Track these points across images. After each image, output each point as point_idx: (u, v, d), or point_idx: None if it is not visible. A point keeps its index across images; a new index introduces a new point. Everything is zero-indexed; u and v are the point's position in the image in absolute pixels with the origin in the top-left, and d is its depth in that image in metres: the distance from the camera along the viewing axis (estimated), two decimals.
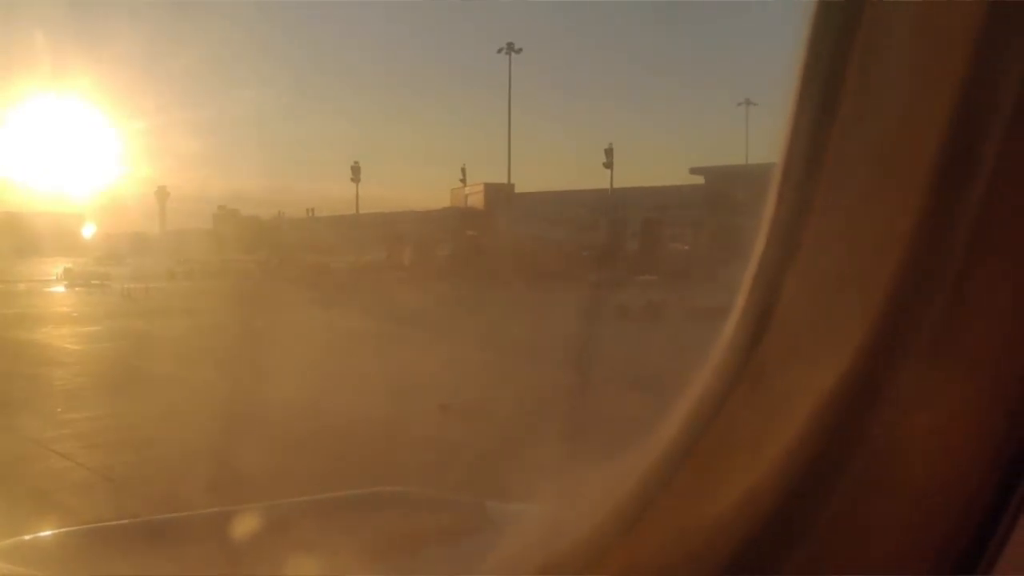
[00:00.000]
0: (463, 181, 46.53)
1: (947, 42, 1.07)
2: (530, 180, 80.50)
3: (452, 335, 17.46)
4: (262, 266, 35.06)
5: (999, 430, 1.08)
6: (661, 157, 72.80)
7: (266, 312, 23.79)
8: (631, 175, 75.17)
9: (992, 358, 1.08)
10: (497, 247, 36.55)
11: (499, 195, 42.51)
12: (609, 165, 43.17)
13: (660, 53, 63.65)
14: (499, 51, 43.49)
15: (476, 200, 43.60)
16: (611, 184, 43.71)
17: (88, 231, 43.45)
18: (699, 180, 43.99)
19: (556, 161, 71.28)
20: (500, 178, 45.62)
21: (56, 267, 36.46)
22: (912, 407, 1.10)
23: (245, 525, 2.26)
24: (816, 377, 1.15)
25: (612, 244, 38.30)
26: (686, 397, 1.29)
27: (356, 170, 44.47)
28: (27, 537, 2.55)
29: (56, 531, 2.93)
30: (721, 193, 38.30)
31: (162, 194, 47.37)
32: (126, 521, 3.63)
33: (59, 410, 11.03)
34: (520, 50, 43.18)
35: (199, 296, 29.09)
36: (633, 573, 1.25)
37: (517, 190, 45.29)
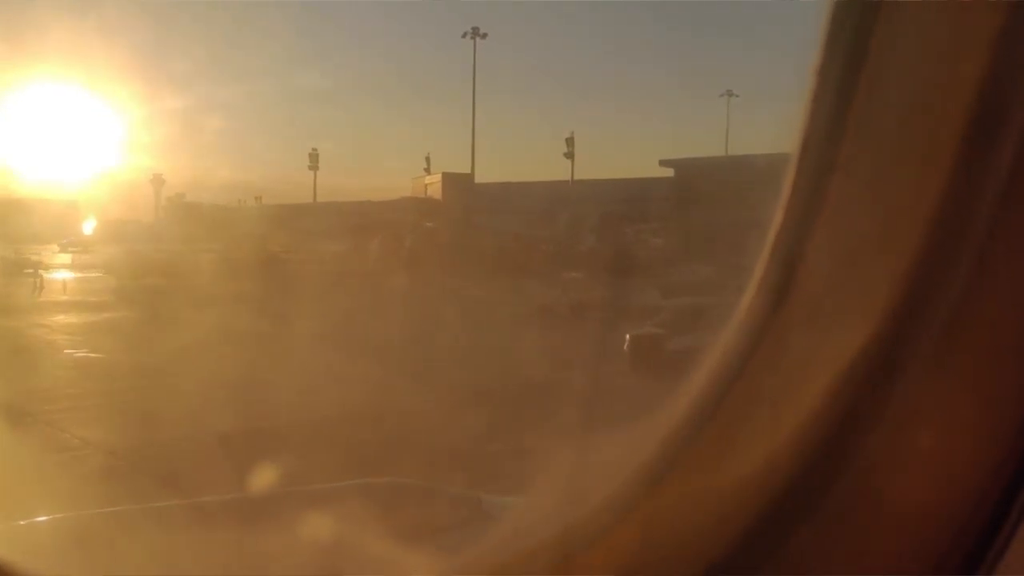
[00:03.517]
0: (427, 170, 45.43)
1: (979, 10, 1.06)
2: (496, 169, 79.12)
3: (339, 339, 16.25)
4: (193, 257, 33.96)
5: (1017, 417, 1.07)
6: (633, 148, 71.42)
7: (143, 308, 22.71)
8: (603, 166, 73.86)
9: (1013, 342, 1.06)
10: (449, 239, 35.52)
11: (457, 185, 41.48)
12: (570, 155, 41.83)
13: (636, 42, 62.16)
14: (464, 35, 41.94)
15: (434, 190, 42.47)
16: (572, 175, 42.41)
17: (80, 218, 43.20)
18: (669, 173, 42.80)
19: (523, 150, 69.89)
20: (467, 167, 44.53)
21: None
22: (930, 388, 1.10)
23: (234, 515, 2.33)
24: (837, 345, 1.15)
25: (567, 238, 37.25)
26: (708, 359, 1.28)
27: (314, 157, 43.19)
28: (22, 522, 2.64)
29: (50, 517, 3.00)
30: (691, 187, 37.25)
31: (157, 182, 46.59)
32: (119, 508, 3.68)
33: None
34: (486, 35, 41.66)
35: (103, 291, 28.11)
36: (655, 531, 1.25)
37: (480, 180, 44.16)
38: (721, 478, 1.24)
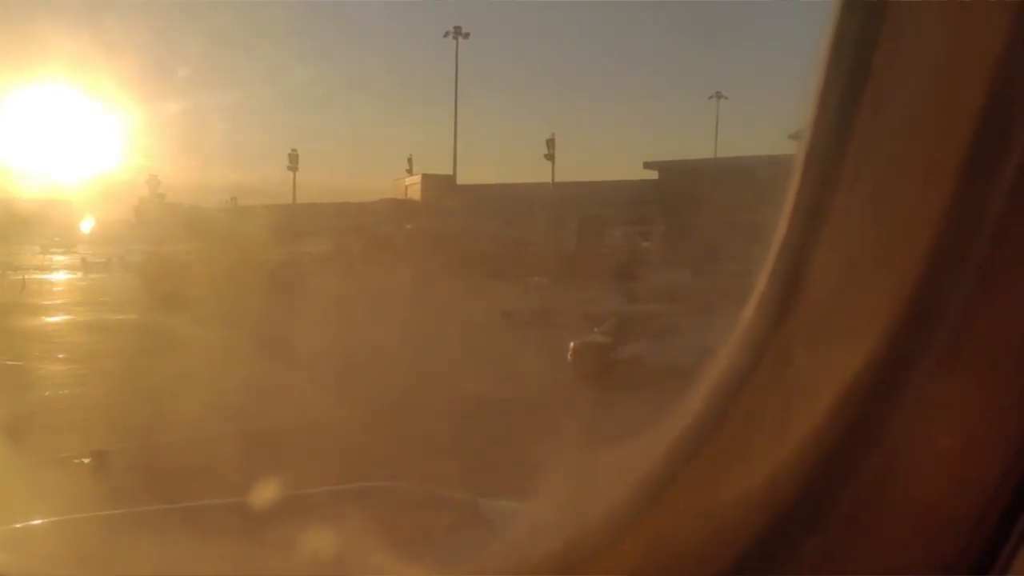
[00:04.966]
0: (409, 171, 44.65)
1: (982, 26, 1.07)
2: (480, 171, 78.06)
3: (282, 347, 15.36)
4: (164, 259, 33.54)
5: (1020, 428, 1.08)
6: (621, 150, 70.37)
7: (90, 312, 22.22)
8: (590, 168, 72.90)
9: (1015, 353, 1.07)
10: (427, 242, 34.93)
11: (438, 187, 40.75)
12: (551, 157, 40.97)
13: (624, 43, 61.01)
14: (446, 35, 41.08)
15: (414, 192, 41.74)
16: (552, 177, 41.61)
17: (72, 218, 43.52)
18: (653, 175, 42.07)
19: (507, 152, 68.83)
20: (450, 169, 43.80)
21: None
22: (935, 399, 1.10)
23: (231, 519, 2.37)
24: (841, 360, 1.15)
25: (545, 241, 36.60)
26: (710, 374, 1.28)
27: (294, 158, 42.36)
28: (18, 525, 2.64)
29: (47, 520, 2.98)
30: (675, 189, 36.66)
31: (153, 183, 46.28)
32: (116, 512, 3.72)
33: None
34: (468, 35, 40.80)
35: (61, 293, 27.73)
36: (659, 543, 1.24)
37: (463, 181, 43.38)
38: (725, 490, 1.22)
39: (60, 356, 15.55)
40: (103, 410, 11.21)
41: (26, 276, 29.29)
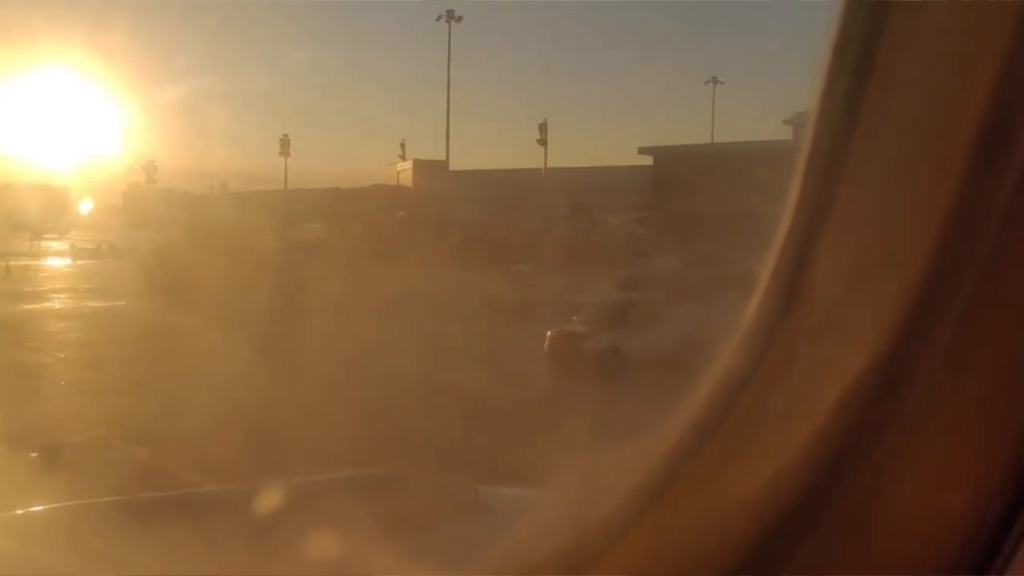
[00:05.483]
0: (402, 156, 44.18)
1: (988, 23, 1.06)
2: (475, 156, 77.49)
3: (255, 333, 15.11)
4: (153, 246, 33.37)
5: (1022, 428, 1.08)
6: (617, 136, 70.05)
7: (61, 300, 21.97)
8: (585, 154, 72.49)
9: (1020, 353, 1.07)
10: (418, 228, 34.59)
11: (430, 172, 40.27)
12: (543, 142, 40.49)
13: (620, 27, 60.14)
14: (438, 19, 40.50)
15: (407, 177, 41.30)
16: (545, 163, 41.15)
17: (70, 204, 43.77)
18: (648, 161, 41.64)
19: (503, 137, 68.26)
20: (443, 154, 43.33)
21: None
22: (938, 399, 1.10)
23: (230, 505, 2.37)
24: (845, 358, 1.15)
25: (538, 228, 36.22)
26: (711, 373, 1.27)
27: (285, 143, 41.87)
28: (19, 512, 2.67)
29: (47, 507, 2.98)
30: (670, 175, 36.27)
31: (150, 168, 46.21)
32: (117, 498, 3.38)
33: None
34: (460, 18, 40.22)
35: (44, 279, 27.53)
36: (661, 544, 1.24)
37: (456, 167, 42.90)
38: (728, 489, 1.22)
39: (31, 345, 15.27)
40: (63, 400, 10.94)
41: (11, 263, 29.01)
